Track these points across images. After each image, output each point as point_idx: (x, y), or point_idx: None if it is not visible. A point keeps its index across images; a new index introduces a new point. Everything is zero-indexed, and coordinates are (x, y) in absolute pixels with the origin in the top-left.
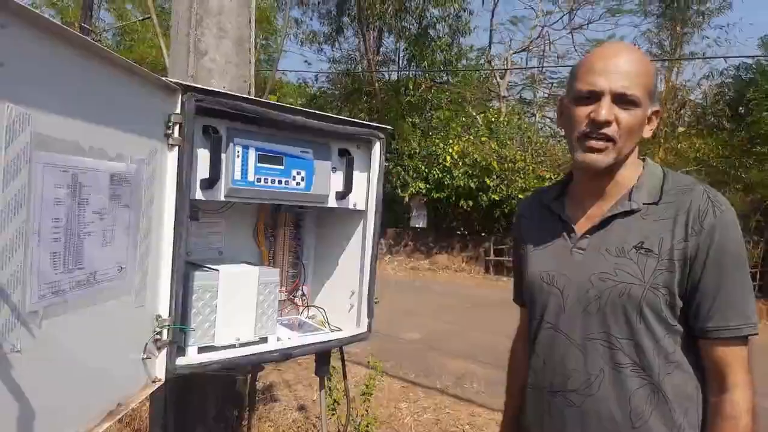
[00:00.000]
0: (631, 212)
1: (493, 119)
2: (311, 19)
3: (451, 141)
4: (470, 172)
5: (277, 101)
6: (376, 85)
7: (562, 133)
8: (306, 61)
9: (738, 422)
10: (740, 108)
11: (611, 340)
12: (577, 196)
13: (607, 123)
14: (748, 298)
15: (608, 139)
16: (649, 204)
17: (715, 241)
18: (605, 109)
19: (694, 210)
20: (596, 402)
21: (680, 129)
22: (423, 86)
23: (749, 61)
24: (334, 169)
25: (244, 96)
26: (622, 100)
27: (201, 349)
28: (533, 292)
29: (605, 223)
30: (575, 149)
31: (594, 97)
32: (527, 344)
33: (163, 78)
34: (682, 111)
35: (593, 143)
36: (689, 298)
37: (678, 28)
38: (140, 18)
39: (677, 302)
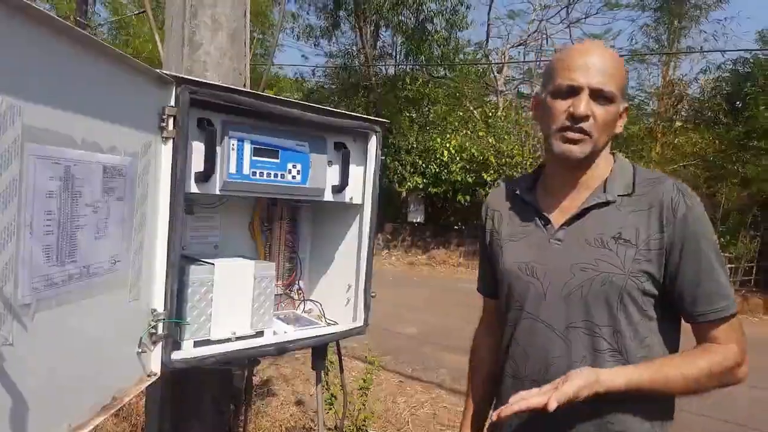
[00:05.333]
0: (606, 203)
1: (490, 114)
2: (308, 13)
3: (448, 136)
4: (468, 166)
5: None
6: (373, 79)
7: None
8: (303, 56)
9: (728, 352)
10: (737, 102)
11: (593, 328)
12: (551, 188)
13: (585, 117)
14: (726, 279)
15: (584, 132)
16: (623, 196)
17: (689, 230)
18: (584, 104)
19: (667, 201)
20: None
21: (677, 123)
22: (420, 81)
23: (747, 55)
24: (330, 163)
25: (239, 88)
26: (599, 95)
27: (197, 343)
28: (511, 282)
29: (581, 214)
30: (553, 141)
31: (573, 92)
32: (492, 335)
33: (157, 70)
34: (679, 105)
35: (570, 135)
36: (670, 285)
37: (675, 23)
38: (136, 12)
39: (653, 290)
